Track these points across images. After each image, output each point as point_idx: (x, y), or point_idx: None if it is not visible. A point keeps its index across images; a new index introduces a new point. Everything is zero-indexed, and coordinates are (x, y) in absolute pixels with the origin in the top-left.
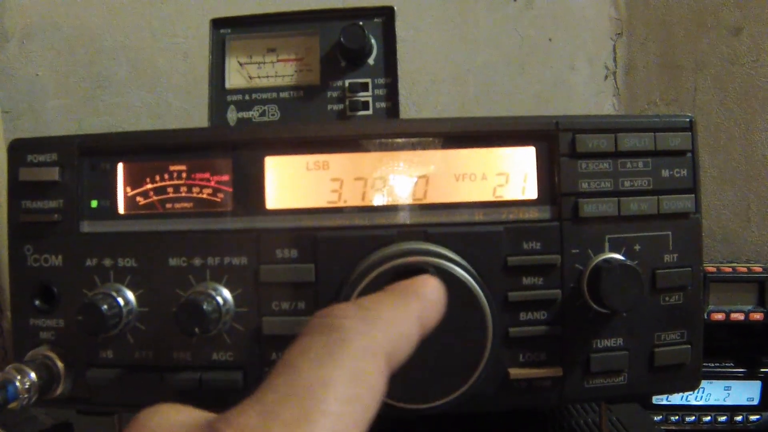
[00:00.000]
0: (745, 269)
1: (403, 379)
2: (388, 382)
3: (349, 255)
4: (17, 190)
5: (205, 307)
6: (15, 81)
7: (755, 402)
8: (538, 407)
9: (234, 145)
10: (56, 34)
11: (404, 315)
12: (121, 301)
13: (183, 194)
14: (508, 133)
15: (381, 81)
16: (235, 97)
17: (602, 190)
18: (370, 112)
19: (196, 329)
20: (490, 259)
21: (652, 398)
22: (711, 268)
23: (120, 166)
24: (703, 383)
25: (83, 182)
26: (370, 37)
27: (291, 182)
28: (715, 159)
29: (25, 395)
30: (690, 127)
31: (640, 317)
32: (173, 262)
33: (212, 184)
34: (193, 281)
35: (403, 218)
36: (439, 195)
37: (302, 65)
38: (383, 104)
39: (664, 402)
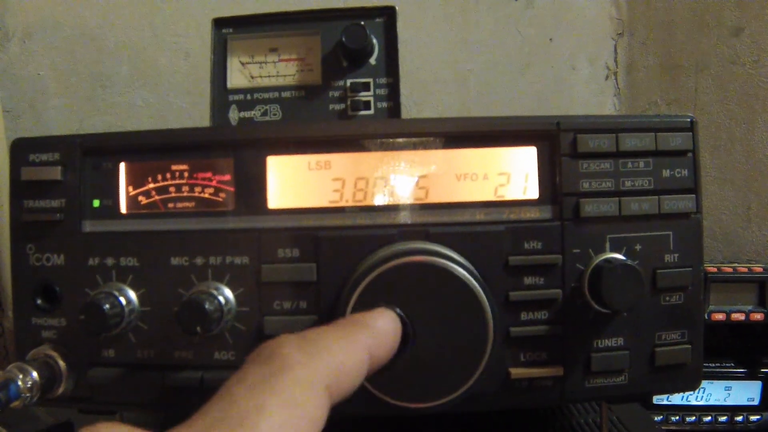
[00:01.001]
0: (745, 269)
1: (404, 379)
2: (328, 413)
3: (350, 254)
4: (19, 189)
5: (207, 306)
6: (16, 80)
7: (755, 402)
8: (539, 407)
9: (236, 144)
10: (57, 33)
11: (349, 347)
12: (123, 300)
13: (185, 194)
14: (510, 133)
15: (382, 81)
16: (236, 97)
17: (603, 190)
18: (371, 112)
19: (198, 328)
20: (491, 258)
21: (652, 398)
22: (712, 268)
23: (122, 166)
24: (704, 383)
25: (85, 182)
26: (372, 36)
27: (293, 182)
28: (715, 159)
29: (27, 394)
30: (691, 127)
31: (640, 317)
32: (175, 261)
33: (214, 183)
34: (195, 280)
35: (405, 218)
36: (441, 195)
37: (304, 65)
38: (385, 104)
39: (665, 402)
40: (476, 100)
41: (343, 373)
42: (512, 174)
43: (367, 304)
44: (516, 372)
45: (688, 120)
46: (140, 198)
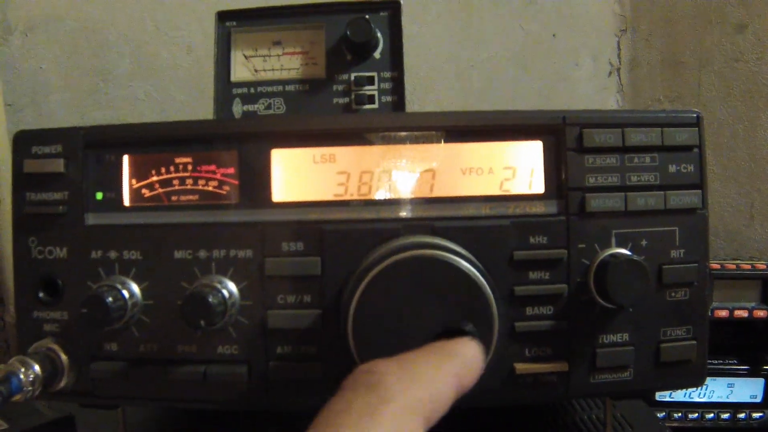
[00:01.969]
0: (748, 266)
1: None
2: None
3: (355, 248)
4: (22, 181)
5: (210, 299)
6: (18, 74)
7: (758, 399)
8: (544, 402)
9: (240, 137)
10: (60, 27)
11: (443, 375)
12: (125, 293)
13: (189, 186)
14: (515, 128)
15: (387, 75)
16: (240, 90)
17: (609, 185)
18: (375, 105)
19: (202, 322)
20: (496, 253)
21: (655, 395)
22: (715, 265)
23: (125, 158)
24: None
25: (88, 174)
26: (376, 30)
27: (297, 175)
28: (718, 156)
29: (29, 388)
30: (697, 122)
31: (646, 313)
32: (178, 254)
33: (218, 176)
34: (199, 274)
35: (410, 212)
36: (446, 189)
37: (308, 58)
38: (389, 98)
39: (668, 399)
40: (478, 96)
41: (438, 402)
42: (518, 168)
43: (371, 298)
44: (521, 367)
45: (695, 115)
46: (143, 191)
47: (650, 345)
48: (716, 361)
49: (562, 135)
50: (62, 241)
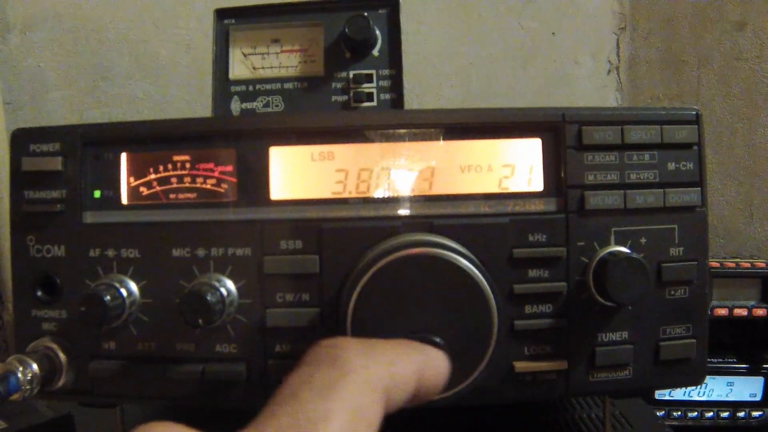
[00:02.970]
0: (748, 264)
1: None
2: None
3: (354, 246)
4: (20, 179)
5: (209, 298)
6: (17, 72)
7: (758, 398)
8: (543, 400)
9: (238, 135)
10: (58, 25)
11: (405, 360)
12: (124, 292)
13: (187, 184)
14: (514, 125)
15: (385, 72)
16: (238, 88)
17: (608, 183)
18: (374, 103)
19: (200, 320)
20: (495, 251)
21: (654, 393)
22: (714, 264)
23: (123, 156)
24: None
25: (86, 172)
26: (375, 28)
27: (296, 173)
28: (718, 154)
29: (27, 387)
30: (696, 119)
31: (645, 311)
32: (177, 252)
33: (216, 174)
34: (197, 272)
35: (409, 209)
36: (445, 186)
37: (306, 56)
38: (388, 96)
39: (667, 397)
40: (478, 94)
41: (398, 382)
42: (517, 166)
43: (370, 296)
44: (520, 365)
45: (694, 113)
46: (141, 189)
47: (650, 343)
48: (716, 360)
49: (561, 132)
50: (60, 240)
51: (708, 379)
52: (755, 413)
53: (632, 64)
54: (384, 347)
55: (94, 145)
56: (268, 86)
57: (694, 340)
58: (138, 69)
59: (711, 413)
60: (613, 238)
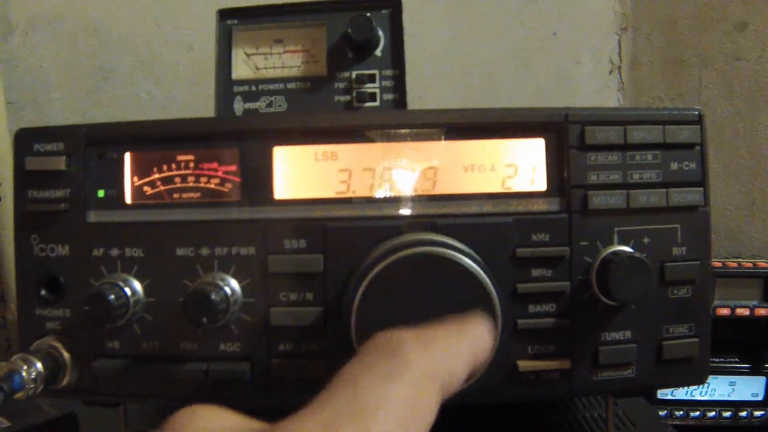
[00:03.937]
0: (750, 264)
1: None
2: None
3: (357, 245)
4: (23, 179)
5: (213, 297)
6: (19, 72)
7: (760, 398)
8: (546, 399)
9: (242, 135)
10: (61, 25)
11: (461, 351)
12: (128, 291)
13: (190, 184)
14: (517, 125)
15: (388, 72)
16: (241, 88)
17: (611, 183)
18: (377, 103)
19: (204, 319)
20: (499, 250)
21: (656, 393)
22: (716, 263)
23: (127, 156)
24: (709, 378)
25: (90, 172)
26: (378, 28)
27: (299, 172)
28: (719, 154)
29: (31, 385)
30: (699, 120)
31: (648, 310)
32: (181, 252)
33: (220, 174)
34: (201, 271)
35: (412, 209)
36: (448, 186)
37: (309, 56)
38: (390, 96)
39: (669, 397)
40: (479, 95)
41: (454, 373)
42: (520, 166)
43: (374, 295)
44: (523, 364)
45: (697, 113)
46: (145, 188)
47: (652, 342)
48: (718, 360)
49: (564, 132)
50: (64, 239)
51: (710, 378)
52: (757, 413)
53: (634, 64)
54: (440, 338)
55: (97, 144)
56: (270, 86)
57: (697, 340)
58: (140, 69)
59: (713, 413)
60: (616, 237)
